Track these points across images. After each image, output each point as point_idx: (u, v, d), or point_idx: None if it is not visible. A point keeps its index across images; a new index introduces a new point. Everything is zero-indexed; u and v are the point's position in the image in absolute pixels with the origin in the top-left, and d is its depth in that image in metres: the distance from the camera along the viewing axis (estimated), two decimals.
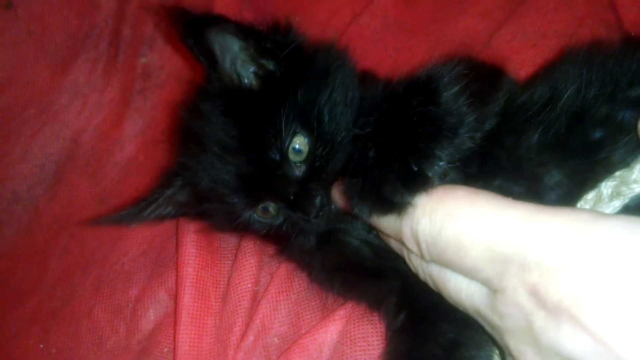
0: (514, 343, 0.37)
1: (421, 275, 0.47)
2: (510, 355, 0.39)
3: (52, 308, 0.82)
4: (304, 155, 0.56)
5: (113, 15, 0.97)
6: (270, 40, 0.59)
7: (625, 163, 0.50)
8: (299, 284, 0.69)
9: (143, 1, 1.00)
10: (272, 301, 0.68)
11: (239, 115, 0.57)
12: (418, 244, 0.42)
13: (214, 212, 0.63)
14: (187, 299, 0.68)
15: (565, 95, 0.52)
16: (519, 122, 0.52)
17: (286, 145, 0.56)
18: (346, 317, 0.63)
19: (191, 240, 0.72)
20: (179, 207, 0.68)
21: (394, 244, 0.51)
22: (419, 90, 0.46)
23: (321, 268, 0.63)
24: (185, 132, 0.64)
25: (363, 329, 0.62)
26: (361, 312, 0.63)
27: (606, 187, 0.47)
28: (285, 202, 0.57)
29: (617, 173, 0.47)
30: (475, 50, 0.82)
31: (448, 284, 0.42)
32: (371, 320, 0.62)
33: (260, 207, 0.59)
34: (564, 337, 0.33)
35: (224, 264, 0.73)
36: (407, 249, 0.45)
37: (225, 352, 0.65)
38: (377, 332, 0.61)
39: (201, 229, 0.72)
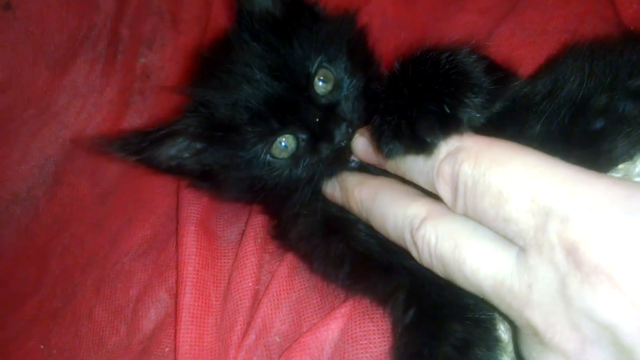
0: (540, 315, 0.36)
1: (426, 261, 0.45)
2: (534, 333, 0.37)
3: (52, 309, 0.82)
4: (329, 88, 0.59)
5: (112, 15, 0.97)
6: None
7: (628, 155, 0.50)
8: (300, 282, 0.69)
9: (141, 2, 0.99)
10: (273, 300, 0.67)
11: (269, 40, 0.59)
12: (456, 186, 0.41)
13: (223, 158, 0.61)
14: (188, 298, 0.67)
15: (567, 86, 0.53)
16: (521, 112, 0.52)
17: (313, 71, 0.58)
18: (347, 315, 0.63)
19: (191, 239, 0.72)
20: (189, 146, 0.64)
21: (392, 234, 0.49)
22: (443, 51, 0.48)
23: (326, 258, 0.62)
24: (206, 66, 0.64)
25: (365, 327, 0.61)
26: (363, 310, 0.63)
27: None
28: (309, 128, 0.57)
29: (620, 166, 0.47)
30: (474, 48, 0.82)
31: (463, 264, 0.41)
32: (373, 318, 0.61)
33: (278, 140, 0.58)
34: (600, 300, 0.32)
35: (225, 262, 0.73)
36: (439, 193, 0.43)
37: (227, 352, 0.65)
38: (378, 330, 0.60)
39: (204, 201, 0.72)
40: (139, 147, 0.60)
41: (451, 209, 0.43)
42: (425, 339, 0.53)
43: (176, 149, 0.64)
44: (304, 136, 0.58)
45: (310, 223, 0.62)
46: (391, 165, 0.49)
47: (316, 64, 0.59)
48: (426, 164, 0.44)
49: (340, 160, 0.58)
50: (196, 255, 0.71)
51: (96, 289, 0.80)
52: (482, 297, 0.41)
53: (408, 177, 0.47)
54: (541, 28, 0.79)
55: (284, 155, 0.59)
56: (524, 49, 0.79)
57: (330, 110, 0.58)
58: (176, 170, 0.65)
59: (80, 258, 0.86)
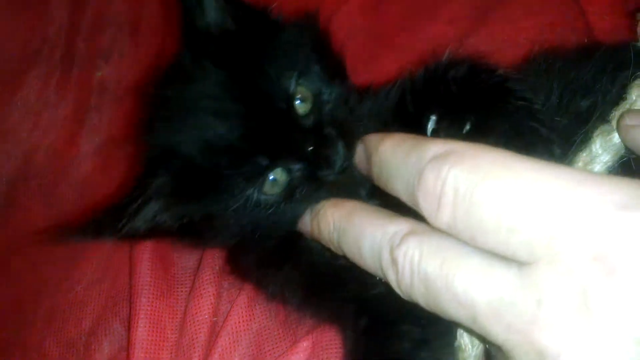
0: (551, 336, 0.30)
1: (406, 282, 0.38)
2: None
3: (1, 341, 0.77)
4: (309, 105, 0.51)
5: (66, 27, 0.92)
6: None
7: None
8: (261, 312, 0.65)
9: (98, 12, 0.95)
10: (232, 332, 0.64)
11: (231, 64, 0.51)
12: (441, 194, 0.35)
13: (206, 210, 0.53)
14: (141, 331, 0.64)
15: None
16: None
17: (292, 90, 0.50)
18: (310, 348, 0.60)
19: (146, 267, 0.68)
20: (164, 208, 0.53)
21: (368, 256, 0.42)
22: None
23: (281, 286, 0.58)
24: (161, 106, 0.54)
25: None
26: (326, 343, 0.60)
27: None
28: (303, 157, 0.49)
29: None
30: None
31: (453, 281, 0.34)
32: (336, 352, 0.59)
33: (268, 177, 0.50)
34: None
35: (182, 292, 0.69)
36: (418, 202, 0.37)
37: None
38: None
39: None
40: (118, 225, 0.50)
41: (431, 222, 0.36)
42: (381, 340, 0.50)
43: (152, 212, 0.53)
44: (298, 166, 0.51)
45: (261, 254, 0.57)
46: (376, 170, 0.43)
47: (294, 82, 0.50)
48: (408, 167, 0.38)
49: (350, 180, 0.51)
50: (150, 285, 0.67)
51: (47, 319, 0.76)
52: (471, 321, 0.34)
53: (389, 185, 0.41)
54: (511, 39, 0.77)
55: (276, 190, 0.51)
56: (494, 61, 0.76)
57: (319, 132, 0.50)
58: (153, 232, 0.55)
59: (33, 285, 0.81)
